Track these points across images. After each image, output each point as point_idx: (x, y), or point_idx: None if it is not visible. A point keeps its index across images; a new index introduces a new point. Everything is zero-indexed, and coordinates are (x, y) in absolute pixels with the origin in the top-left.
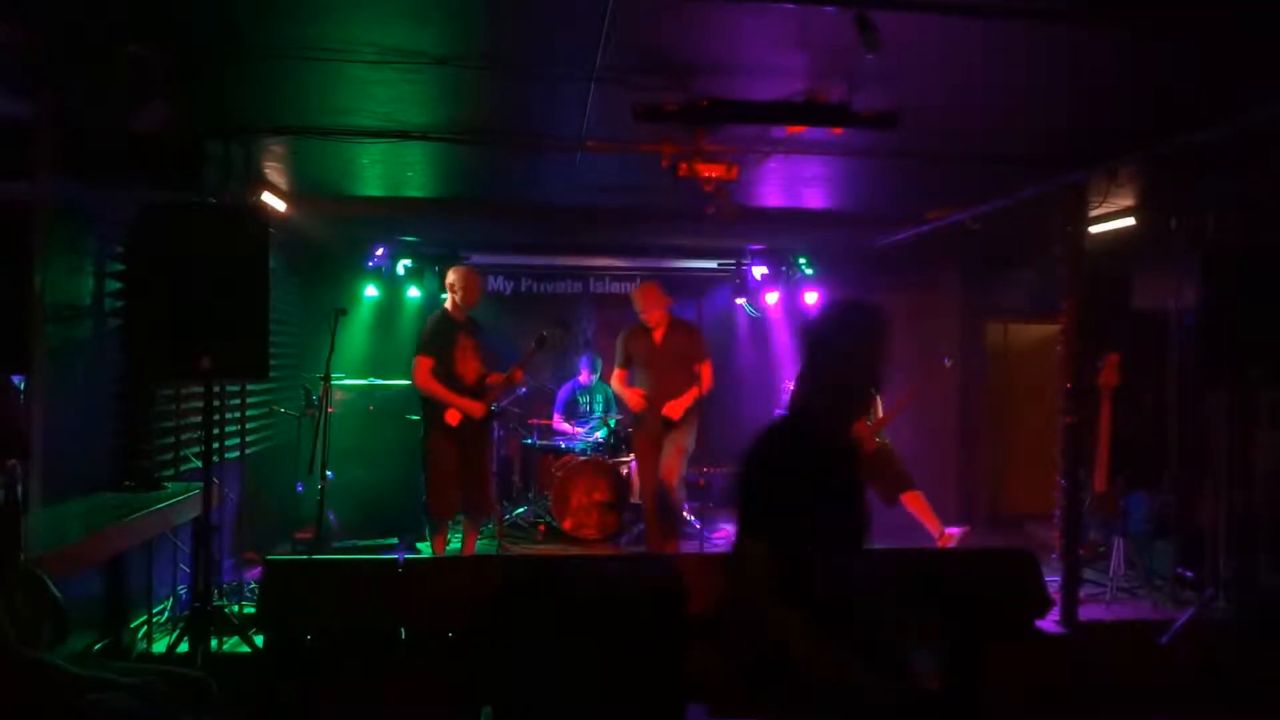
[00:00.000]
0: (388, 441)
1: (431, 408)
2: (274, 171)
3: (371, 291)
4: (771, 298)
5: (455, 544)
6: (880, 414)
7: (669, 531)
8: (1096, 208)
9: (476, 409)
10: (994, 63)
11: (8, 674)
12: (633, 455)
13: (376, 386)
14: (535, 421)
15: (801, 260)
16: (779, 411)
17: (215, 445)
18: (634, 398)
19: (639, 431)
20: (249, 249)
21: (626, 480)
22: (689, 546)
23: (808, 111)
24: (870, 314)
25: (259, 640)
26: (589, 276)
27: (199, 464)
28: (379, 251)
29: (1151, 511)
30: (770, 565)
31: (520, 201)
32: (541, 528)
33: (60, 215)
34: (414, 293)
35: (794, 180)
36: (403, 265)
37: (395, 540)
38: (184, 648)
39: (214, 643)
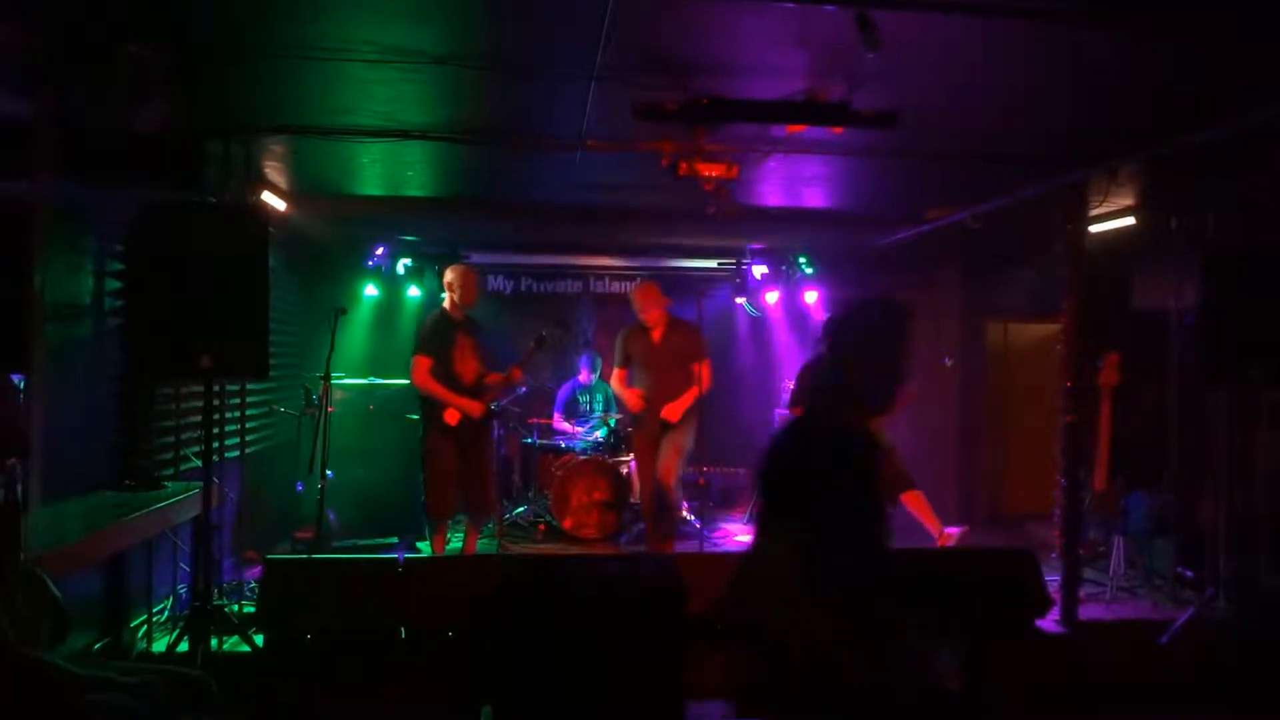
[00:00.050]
0: (388, 441)
1: (430, 407)
2: (274, 171)
3: (371, 291)
4: (771, 297)
5: (456, 543)
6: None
7: (665, 532)
8: (1097, 207)
9: (475, 408)
10: (994, 62)
11: (7, 673)
12: (632, 455)
13: (376, 386)
14: (535, 421)
15: (801, 260)
16: (781, 411)
17: (215, 444)
18: (632, 398)
19: (638, 431)
20: (249, 248)
21: (626, 480)
22: (689, 546)
23: (808, 110)
24: (893, 312)
25: (259, 640)
26: (589, 276)
27: (199, 463)
28: (379, 251)
29: (1151, 511)
30: (793, 563)
31: (520, 201)
32: (541, 527)
33: (60, 214)
34: (414, 292)
35: (794, 179)
36: (403, 264)
37: (395, 540)
38: (184, 647)
39: (214, 642)
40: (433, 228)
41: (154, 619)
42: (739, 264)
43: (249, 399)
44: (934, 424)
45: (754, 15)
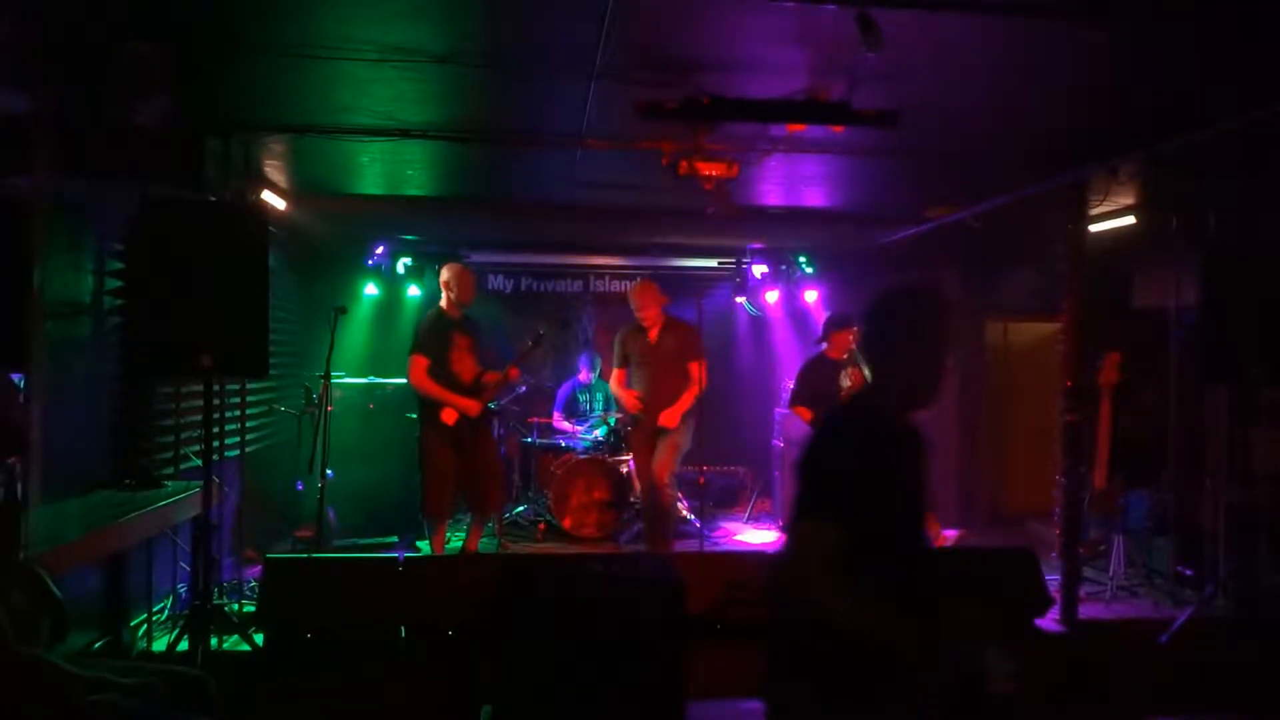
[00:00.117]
0: (388, 440)
1: (427, 407)
2: (274, 169)
3: (371, 289)
4: (771, 296)
5: (456, 542)
6: None
7: (662, 536)
8: (1097, 206)
9: (473, 407)
10: (994, 61)
11: (7, 673)
12: (631, 454)
13: (376, 385)
14: (535, 420)
15: (801, 259)
16: (781, 410)
17: (215, 443)
18: (630, 400)
19: (636, 431)
20: (249, 246)
21: (626, 479)
22: (689, 546)
23: (808, 109)
24: (931, 300)
25: (259, 639)
26: (589, 275)
27: (199, 462)
28: (379, 249)
29: (1151, 510)
30: (831, 546)
31: (520, 200)
32: (542, 526)
33: (60, 212)
34: (414, 291)
35: (794, 178)
36: (403, 263)
37: (395, 539)
38: (184, 646)
39: (214, 641)
40: (433, 226)
41: (154, 618)
42: (739, 263)
43: (249, 398)
44: (934, 423)
45: (754, 14)
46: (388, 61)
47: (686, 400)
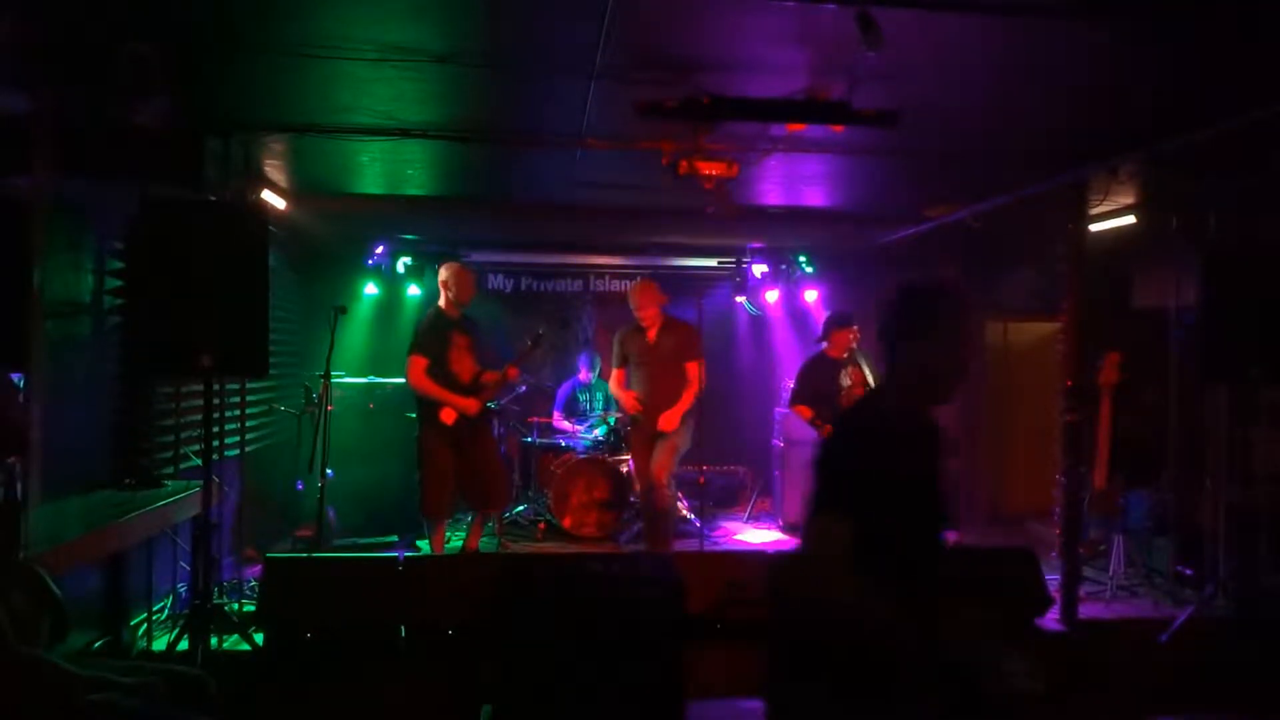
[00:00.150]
0: (388, 439)
1: (426, 407)
2: (274, 169)
3: (371, 289)
4: (771, 296)
5: (456, 541)
6: None
7: (661, 533)
8: (1097, 206)
9: (471, 407)
10: (994, 61)
11: (6, 672)
12: (631, 454)
13: (376, 384)
14: (535, 420)
15: (801, 258)
16: (781, 410)
17: (215, 443)
18: (629, 400)
19: (635, 431)
20: (249, 246)
21: (626, 478)
22: (689, 546)
23: (809, 109)
24: (950, 297)
25: (259, 638)
26: (589, 275)
27: (199, 461)
28: (379, 249)
29: (1151, 509)
30: (843, 541)
31: (520, 199)
32: (542, 526)
33: (60, 211)
34: (414, 290)
35: (794, 178)
36: (403, 263)
37: (395, 538)
38: (184, 646)
39: (214, 641)
40: (433, 226)
41: (154, 617)
42: (739, 263)
43: (249, 397)
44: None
45: (754, 14)
46: (388, 61)
47: (685, 402)
